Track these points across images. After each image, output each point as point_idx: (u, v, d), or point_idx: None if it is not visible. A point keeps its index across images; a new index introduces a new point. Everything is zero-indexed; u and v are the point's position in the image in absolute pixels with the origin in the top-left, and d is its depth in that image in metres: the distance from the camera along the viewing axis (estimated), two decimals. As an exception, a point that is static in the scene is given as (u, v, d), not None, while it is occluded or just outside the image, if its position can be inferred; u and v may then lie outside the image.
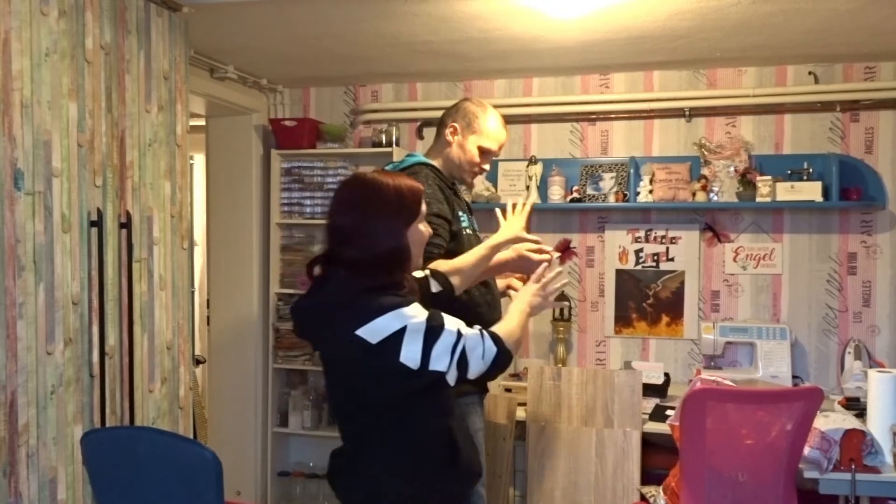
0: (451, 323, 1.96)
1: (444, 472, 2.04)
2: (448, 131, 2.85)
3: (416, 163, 2.78)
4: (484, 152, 2.86)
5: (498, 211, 2.70)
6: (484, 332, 2.01)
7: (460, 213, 2.83)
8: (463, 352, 1.93)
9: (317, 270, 2.05)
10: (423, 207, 2.09)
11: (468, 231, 2.86)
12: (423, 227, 2.09)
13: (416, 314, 1.91)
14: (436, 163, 2.83)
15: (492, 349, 1.98)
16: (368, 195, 1.99)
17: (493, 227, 2.68)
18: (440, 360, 1.91)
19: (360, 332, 1.89)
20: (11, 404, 2.23)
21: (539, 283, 2.26)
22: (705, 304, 4.21)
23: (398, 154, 4.03)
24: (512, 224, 2.67)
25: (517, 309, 2.18)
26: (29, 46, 2.29)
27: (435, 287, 2.32)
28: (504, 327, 2.08)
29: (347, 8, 3.23)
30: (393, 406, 1.98)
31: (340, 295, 1.95)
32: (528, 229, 2.73)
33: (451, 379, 1.94)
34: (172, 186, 2.98)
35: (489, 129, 2.85)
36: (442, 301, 2.26)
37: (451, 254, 2.63)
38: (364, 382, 1.97)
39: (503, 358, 2.00)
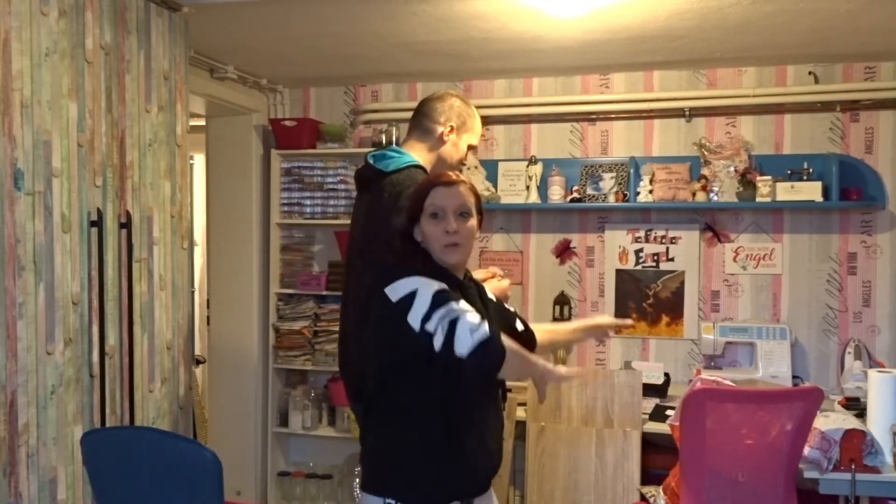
0: (462, 303, 2.01)
1: (439, 458, 2.03)
2: (444, 130, 2.82)
3: (409, 164, 2.73)
4: (470, 148, 2.91)
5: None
6: (486, 321, 2.00)
7: None
8: (455, 321, 1.95)
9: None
10: (426, 203, 2.11)
11: None
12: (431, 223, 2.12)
13: (431, 283, 2.02)
14: (422, 160, 2.78)
15: (484, 332, 1.95)
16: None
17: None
18: (434, 323, 1.95)
19: (387, 289, 2.04)
20: (11, 404, 2.23)
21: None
22: (705, 304, 4.20)
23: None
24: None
25: (529, 354, 2.12)
26: (29, 46, 2.29)
27: (520, 326, 2.36)
28: (508, 341, 2.04)
29: (347, 8, 3.23)
30: (400, 376, 2.04)
31: (389, 264, 2.15)
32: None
33: (438, 343, 1.94)
34: (172, 186, 2.98)
35: (477, 127, 2.92)
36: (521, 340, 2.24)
37: None
38: (381, 344, 2.07)
39: (492, 345, 1.96)
